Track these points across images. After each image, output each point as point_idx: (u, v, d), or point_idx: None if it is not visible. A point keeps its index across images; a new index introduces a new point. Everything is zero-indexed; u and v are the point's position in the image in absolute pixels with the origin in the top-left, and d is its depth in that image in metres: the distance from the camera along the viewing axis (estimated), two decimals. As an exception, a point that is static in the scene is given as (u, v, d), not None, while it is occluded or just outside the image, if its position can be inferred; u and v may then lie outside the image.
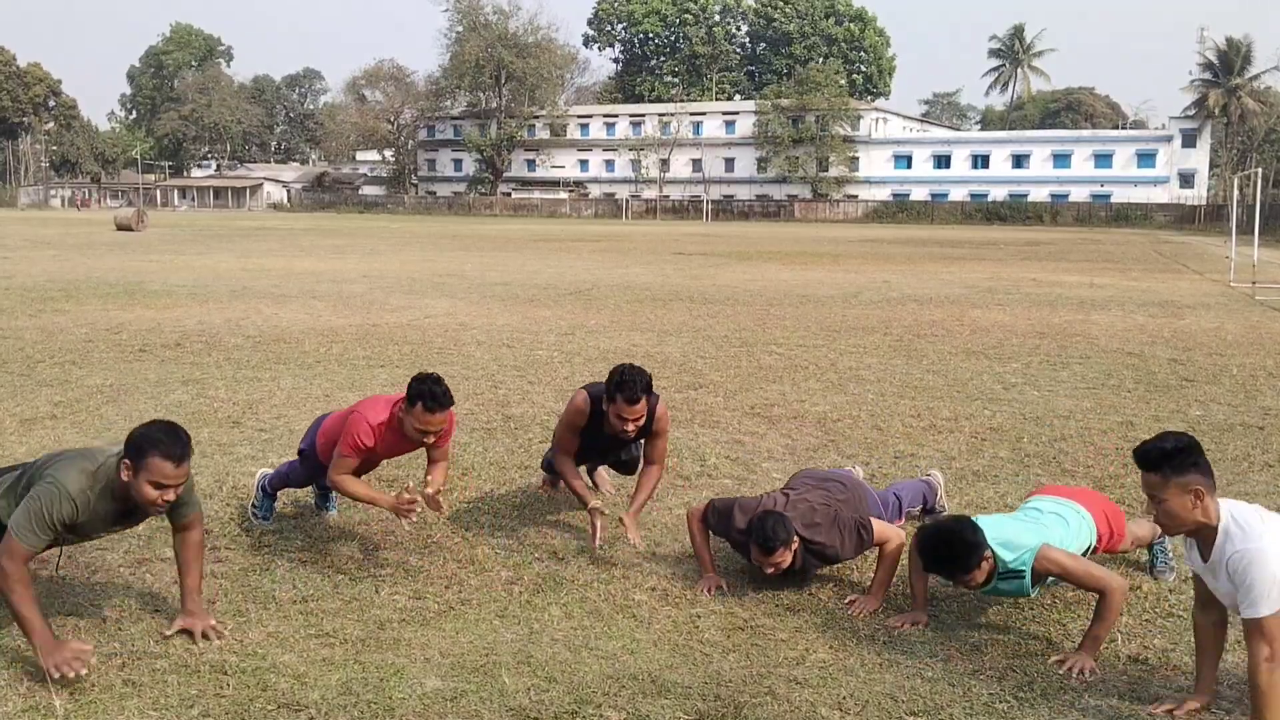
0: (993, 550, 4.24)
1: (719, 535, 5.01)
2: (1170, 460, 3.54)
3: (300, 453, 5.56)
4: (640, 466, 5.58)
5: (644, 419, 5.16)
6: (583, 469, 6.25)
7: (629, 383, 5.04)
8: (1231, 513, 3.58)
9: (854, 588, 4.89)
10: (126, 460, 3.85)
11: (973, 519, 4.36)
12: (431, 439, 4.99)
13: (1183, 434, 3.67)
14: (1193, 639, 3.92)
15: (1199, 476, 3.54)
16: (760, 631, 4.42)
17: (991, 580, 4.28)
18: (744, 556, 4.91)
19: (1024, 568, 4.27)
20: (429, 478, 5.17)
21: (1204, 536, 3.61)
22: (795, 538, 4.69)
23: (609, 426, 5.21)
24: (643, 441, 5.50)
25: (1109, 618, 4.15)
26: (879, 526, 4.86)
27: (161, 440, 3.85)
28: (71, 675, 3.71)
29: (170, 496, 3.89)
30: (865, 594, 4.75)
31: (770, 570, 4.71)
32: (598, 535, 5.18)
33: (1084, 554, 4.52)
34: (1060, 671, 4.04)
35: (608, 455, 5.89)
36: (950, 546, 4.21)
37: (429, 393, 4.81)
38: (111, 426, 7.72)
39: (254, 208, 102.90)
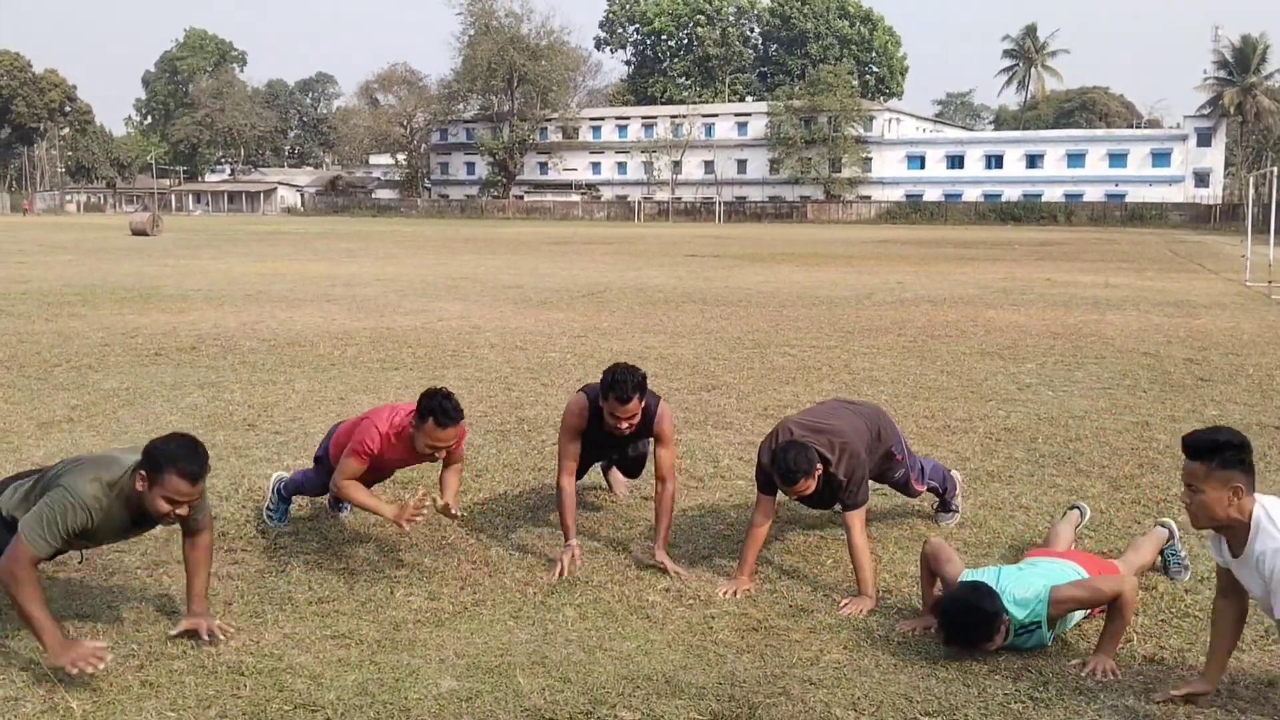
0: (1009, 615, 4.15)
1: (763, 484, 4.99)
2: (1219, 453, 3.52)
3: (316, 460, 5.58)
4: (656, 488, 5.41)
5: (638, 418, 5.16)
6: (596, 469, 6.27)
7: (620, 382, 5.03)
8: (1265, 508, 3.56)
9: (848, 592, 4.85)
10: (142, 472, 3.86)
11: (987, 585, 4.23)
12: (442, 454, 4.99)
13: (1236, 431, 3.64)
14: (1208, 633, 3.91)
15: (1241, 475, 3.52)
16: (774, 632, 4.42)
17: (1008, 638, 4.19)
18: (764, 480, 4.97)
19: (1039, 619, 4.20)
20: (442, 486, 5.17)
21: (1235, 533, 3.60)
22: (818, 465, 4.75)
23: (606, 426, 5.22)
24: (650, 441, 5.48)
25: (1124, 615, 4.14)
26: (859, 510, 4.85)
27: (180, 457, 3.84)
28: (90, 671, 3.73)
29: (183, 512, 3.90)
30: (855, 595, 4.75)
31: (795, 498, 4.87)
32: (561, 570, 5.00)
33: (1085, 612, 4.42)
34: (1083, 674, 4.03)
35: (613, 453, 5.87)
36: (972, 620, 4.11)
37: (439, 408, 4.78)
38: (128, 430, 7.77)
39: (268, 212, 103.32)
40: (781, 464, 4.72)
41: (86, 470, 3.95)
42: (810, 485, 4.76)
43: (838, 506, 5.01)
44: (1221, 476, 3.51)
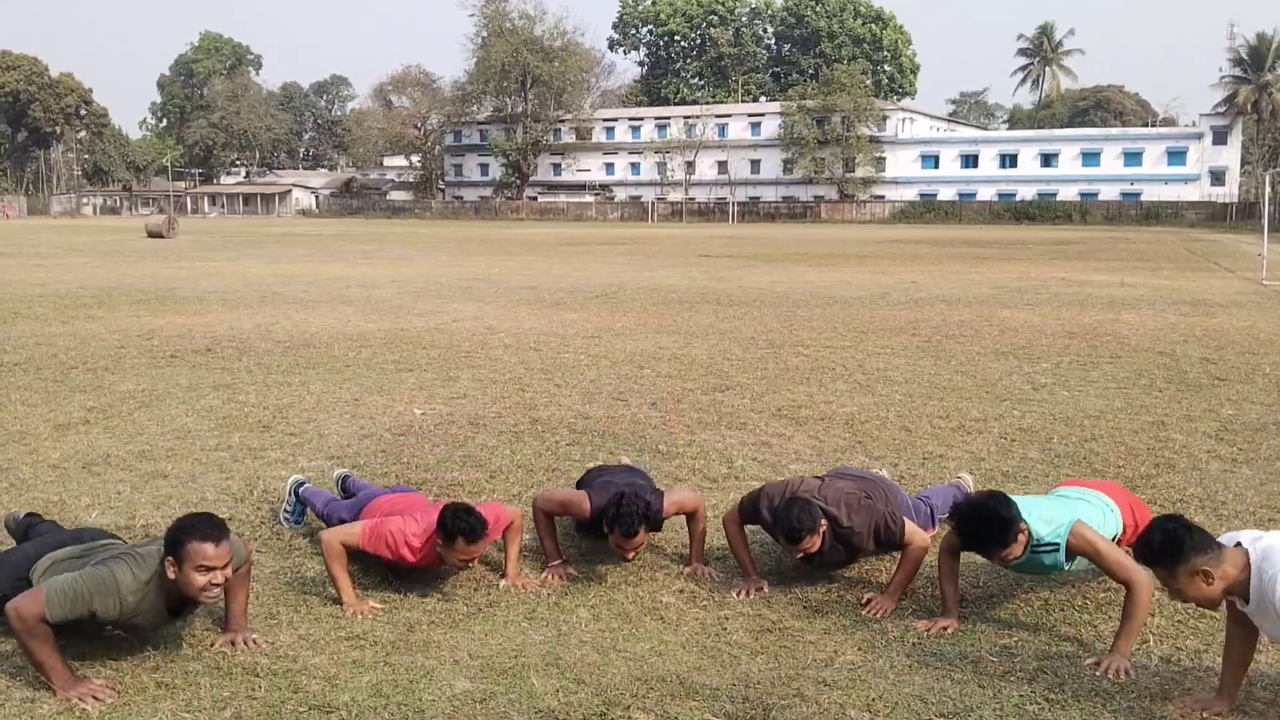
0: (1027, 524, 4.25)
1: (753, 524, 4.98)
2: (1164, 555, 3.54)
3: (342, 494, 5.63)
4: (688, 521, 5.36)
5: (644, 543, 4.99)
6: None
7: (626, 515, 4.79)
8: (1260, 550, 3.53)
9: (881, 589, 4.86)
10: (169, 558, 3.85)
11: (1006, 494, 4.37)
12: (475, 564, 4.76)
13: (1169, 521, 3.64)
14: (1224, 641, 3.88)
15: (1199, 556, 3.51)
16: (789, 633, 4.42)
17: (1026, 553, 4.28)
18: (775, 540, 4.89)
19: (1059, 540, 4.30)
20: (506, 564, 5.00)
21: (1234, 592, 3.59)
22: (822, 522, 4.67)
23: (610, 546, 5.04)
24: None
25: (1138, 614, 4.13)
26: (909, 525, 4.85)
27: (195, 526, 3.88)
28: (94, 705, 3.72)
29: (218, 579, 3.87)
30: (882, 594, 4.74)
31: (799, 555, 4.73)
32: (547, 580, 4.98)
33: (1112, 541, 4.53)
34: (1097, 673, 4.01)
35: None
36: (987, 522, 4.22)
37: (467, 528, 4.54)
38: (144, 431, 7.80)
39: (283, 214, 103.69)
40: (784, 522, 4.61)
41: (125, 563, 3.92)
42: (815, 543, 4.65)
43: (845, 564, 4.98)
44: (1184, 570, 3.52)
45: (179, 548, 3.84)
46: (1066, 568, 4.43)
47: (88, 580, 3.86)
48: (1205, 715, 3.71)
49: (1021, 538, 4.21)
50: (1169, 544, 3.54)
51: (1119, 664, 4.03)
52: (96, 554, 4.11)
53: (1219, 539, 3.64)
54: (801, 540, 4.61)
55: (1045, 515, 4.34)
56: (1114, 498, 4.78)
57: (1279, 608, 3.44)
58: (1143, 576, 4.18)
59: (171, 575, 3.86)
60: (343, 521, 5.20)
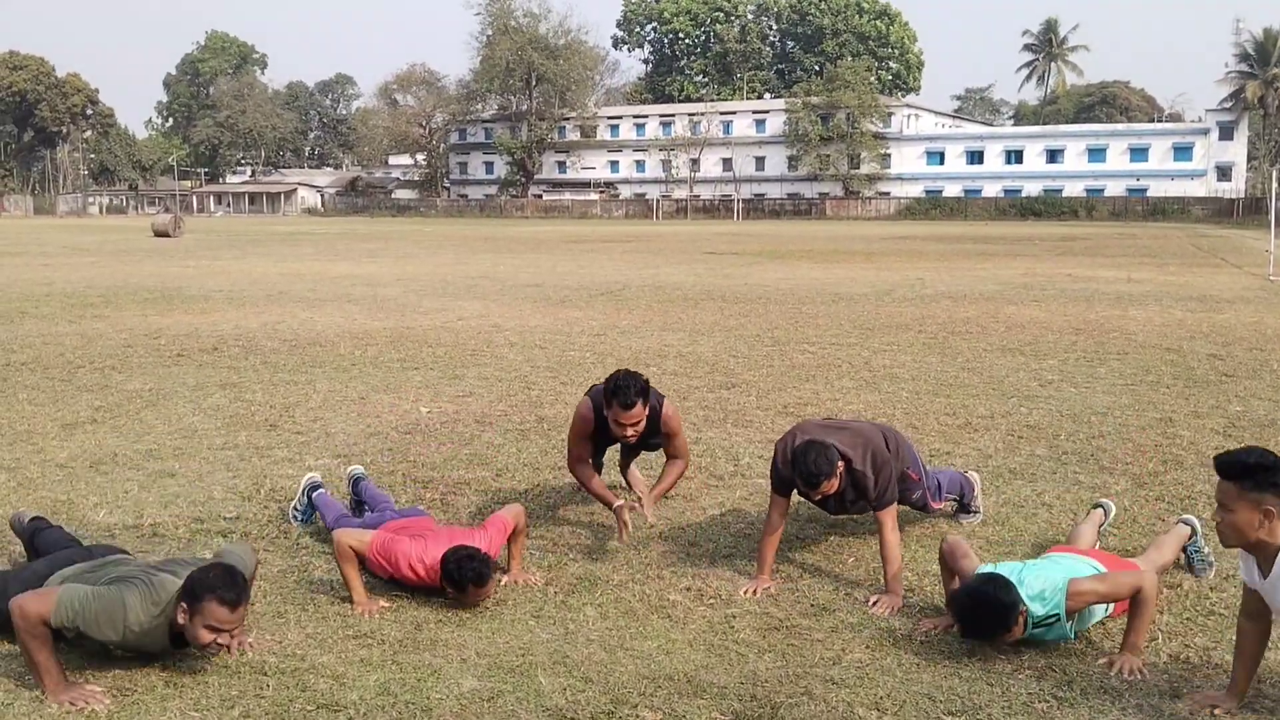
0: (1026, 606, 4.12)
1: (778, 486, 4.93)
2: (1252, 475, 3.49)
3: (354, 508, 5.63)
4: (666, 463, 5.60)
5: (643, 423, 5.18)
6: (612, 467, 6.27)
7: (623, 388, 5.05)
8: None
9: (871, 590, 4.84)
10: (183, 604, 3.81)
11: (1002, 576, 4.19)
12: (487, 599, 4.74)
13: (1269, 452, 3.59)
14: (1234, 638, 3.87)
15: (1274, 497, 3.48)
16: (796, 631, 4.41)
17: (1027, 629, 4.16)
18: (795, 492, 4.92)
19: (1059, 612, 4.17)
20: (510, 562, 5.00)
21: (1264, 554, 3.57)
22: (839, 464, 4.67)
23: (612, 432, 5.26)
24: (660, 439, 5.50)
25: (1145, 612, 4.11)
26: (893, 506, 4.85)
27: (218, 585, 3.80)
28: (85, 708, 3.70)
29: (224, 640, 3.84)
30: (884, 593, 4.73)
31: (817, 498, 4.82)
32: (625, 531, 5.21)
33: (1107, 610, 4.41)
34: (1110, 673, 4.00)
35: (626, 446, 5.87)
36: (988, 612, 4.09)
37: (476, 574, 4.52)
38: (151, 430, 7.82)
39: (288, 213, 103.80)
40: (802, 466, 4.65)
41: (141, 592, 3.88)
42: (833, 485, 4.70)
43: (860, 510, 4.99)
44: (1254, 498, 3.48)
45: (196, 601, 3.77)
46: (1072, 637, 4.29)
47: (99, 598, 3.84)
48: (1215, 711, 3.70)
49: (1021, 619, 4.10)
50: (1263, 469, 3.47)
51: (1132, 663, 4.02)
52: (108, 569, 4.09)
53: None
54: (819, 485, 4.65)
55: (1036, 590, 4.16)
56: (1105, 563, 4.53)
57: None
58: (1146, 579, 4.16)
59: (181, 620, 3.81)
60: (352, 521, 5.31)
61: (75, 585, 3.93)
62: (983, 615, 4.10)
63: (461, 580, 4.52)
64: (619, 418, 5.11)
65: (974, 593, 4.15)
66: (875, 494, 4.82)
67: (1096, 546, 4.97)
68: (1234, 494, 3.52)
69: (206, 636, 3.79)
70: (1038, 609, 4.15)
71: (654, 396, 5.26)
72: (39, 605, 3.79)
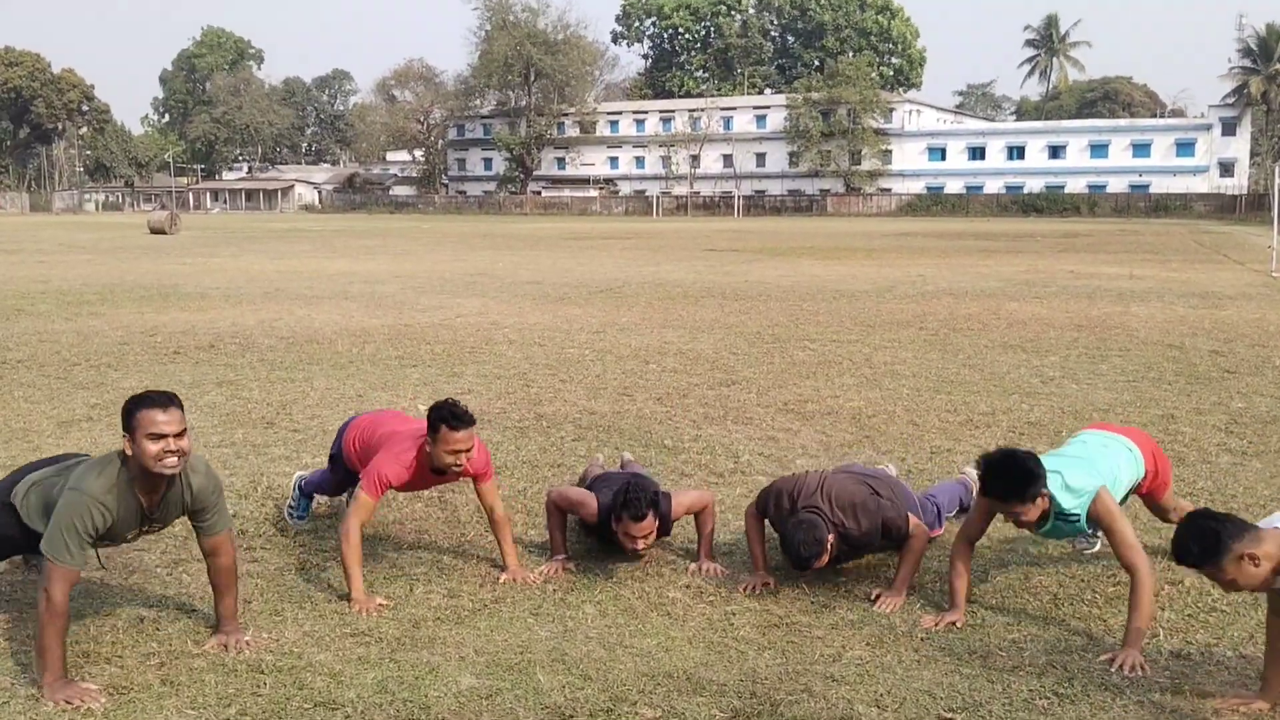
0: (1051, 495, 4.28)
1: (760, 511, 4.99)
2: (1205, 554, 3.51)
3: (331, 458, 5.56)
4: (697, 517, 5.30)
5: (653, 535, 4.95)
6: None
7: (633, 501, 4.79)
8: None
9: (888, 585, 4.83)
10: (125, 435, 3.88)
11: (1035, 454, 4.37)
12: (464, 460, 4.73)
13: (1199, 519, 3.60)
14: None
15: (1238, 542, 3.48)
16: (796, 628, 4.39)
17: (1048, 521, 4.34)
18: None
19: (1080, 512, 4.33)
20: (504, 559, 4.97)
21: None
22: (829, 538, 4.65)
23: (618, 543, 4.97)
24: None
25: (1144, 605, 4.10)
26: (912, 519, 4.85)
27: (144, 395, 3.94)
28: (78, 705, 3.69)
29: (172, 446, 3.84)
30: (889, 590, 4.71)
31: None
32: (542, 575, 4.94)
33: (1132, 487, 4.71)
34: (1112, 669, 3.98)
35: None
36: (1011, 469, 4.22)
37: (451, 413, 4.61)
38: (148, 427, 7.78)
39: (285, 209, 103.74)
40: (793, 550, 4.60)
41: (90, 470, 3.95)
42: (824, 561, 4.66)
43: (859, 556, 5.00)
44: (1229, 561, 3.48)
45: (129, 418, 3.86)
46: (1089, 531, 4.54)
47: (67, 511, 3.85)
48: (1243, 709, 3.67)
49: (1040, 503, 4.24)
50: (1206, 540, 3.49)
51: (1133, 659, 4.00)
52: (70, 472, 4.08)
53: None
54: (811, 565, 4.63)
55: (1072, 485, 4.34)
56: (1138, 443, 4.85)
57: None
58: (1146, 564, 4.16)
59: (128, 451, 3.87)
60: (332, 482, 5.50)
61: (46, 533, 3.88)
62: (1008, 473, 4.22)
63: (436, 419, 4.65)
64: (629, 530, 4.82)
65: (1008, 453, 4.35)
66: (887, 534, 4.81)
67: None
68: (1210, 571, 3.54)
69: (153, 447, 3.82)
70: (1068, 501, 4.31)
71: (663, 500, 4.99)
72: (53, 576, 3.78)
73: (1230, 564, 3.48)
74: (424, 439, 4.78)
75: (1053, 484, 4.31)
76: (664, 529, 5.05)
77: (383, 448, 4.92)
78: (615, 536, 4.94)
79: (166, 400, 3.92)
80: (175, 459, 3.88)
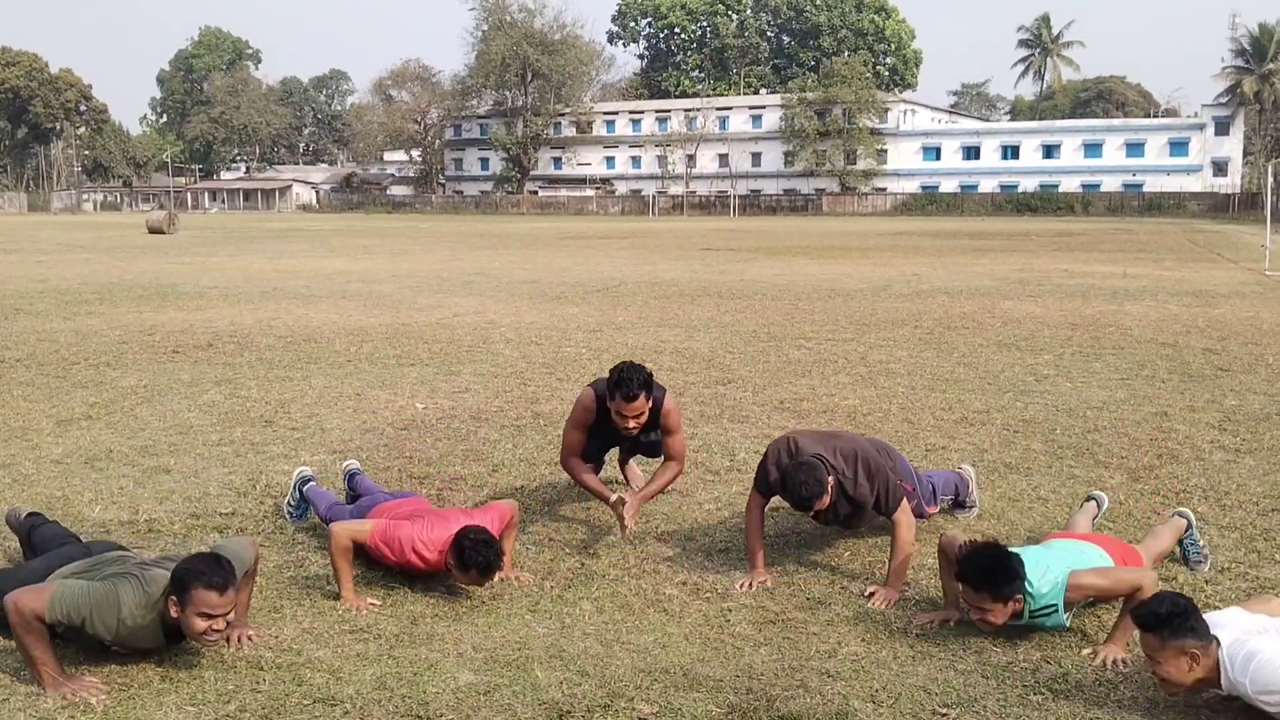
0: (1024, 591, 4.13)
1: (770, 496, 4.99)
2: (1167, 623, 3.52)
3: (349, 499, 5.58)
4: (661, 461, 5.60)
5: (645, 415, 5.22)
6: (612, 464, 6.27)
7: (627, 380, 5.09)
8: (1224, 644, 3.53)
9: (882, 582, 4.86)
10: (173, 597, 3.81)
11: (1014, 551, 4.20)
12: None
13: (1179, 596, 3.64)
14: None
15: (1195, 640, 3.50)
16: (792, 624, 4.42)
17: (1023, 616, 4.17)
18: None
19: (1056, 602, 4.18)
20: (505, 568, 4.91)
21: (1211, 686, 3.59)
22: (829, 480, 4.71)
23: (614, 425, 5.28)
24: (659, 434, 5.51)
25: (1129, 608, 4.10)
26: (904, 504, 4.88)
27: (203, 571, 3.80)
28: (85, 699, 3.71)
29: (219, 625, 3.82)
30: (883, 585, 4.74)
31: (811, 514, 4.85)
32: (624, 530, 5.18)
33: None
34: (1094, 663, 4.02)
35: (626, 440, 5.82)
36: (998, 568, 4.07)
37: (485, 564, 4.49)
38: (146, 427, 7.81)
39: (283, 209, 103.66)
40: (794, 490, 4.66)
41: (134, 586, 3.88)
42: (824, 502, 4.72)
43: (857, 524, 5.01)
44: (1175, 646, 3.50)
45: (184, 591, 3.78)
46: (1067, 625, 4.29)
47: (93, 594, 3.84)
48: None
49: (1012, 605, 4.08)
50: (1176, 616, 3.52)
51: (1115, 654, 4.03)
52: (105, 567, 4.09)
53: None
54: (811, 506, 4.70)
55: (1037, 582, 4.15)
56: (1106, 548, 4.55)
57: (1248, 686, 3.43)
58: (1147, 579, 4.14)
59: (174, 614, 3.81)
60: (345, 514, 5.25)
61: (70, 581, 3.92)
62: (991, 567, 4.07)
63: (470, 564, 4.48)
64: (621, 409, 5.13)
65: (995, 548, 4.15)
66: (878, 501, 4.85)
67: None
68: (1156, 645, 3.54)
69: (200, 625, 3.78)
70: (1035, 599, 4.16)
71: (656, 390, 5.29)
72: (33, 601, 3.78)
73: (1174, 650, 3.50)
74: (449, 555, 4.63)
75: (1027, 575, 4.14)
76: (654, 421, 5.31)
77: (420, 521, 4.79)
78: (612, 424, 5.22)
79: (224, 583, 3.80)
80: (218, 635, 3.86)
